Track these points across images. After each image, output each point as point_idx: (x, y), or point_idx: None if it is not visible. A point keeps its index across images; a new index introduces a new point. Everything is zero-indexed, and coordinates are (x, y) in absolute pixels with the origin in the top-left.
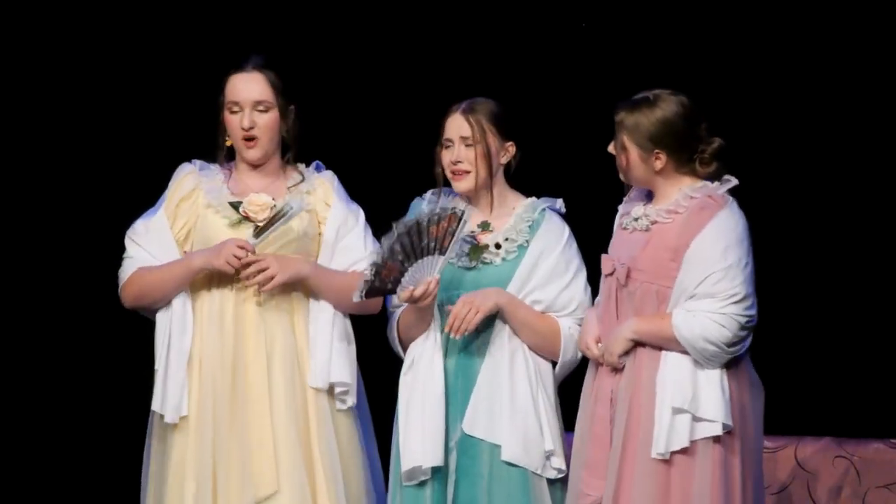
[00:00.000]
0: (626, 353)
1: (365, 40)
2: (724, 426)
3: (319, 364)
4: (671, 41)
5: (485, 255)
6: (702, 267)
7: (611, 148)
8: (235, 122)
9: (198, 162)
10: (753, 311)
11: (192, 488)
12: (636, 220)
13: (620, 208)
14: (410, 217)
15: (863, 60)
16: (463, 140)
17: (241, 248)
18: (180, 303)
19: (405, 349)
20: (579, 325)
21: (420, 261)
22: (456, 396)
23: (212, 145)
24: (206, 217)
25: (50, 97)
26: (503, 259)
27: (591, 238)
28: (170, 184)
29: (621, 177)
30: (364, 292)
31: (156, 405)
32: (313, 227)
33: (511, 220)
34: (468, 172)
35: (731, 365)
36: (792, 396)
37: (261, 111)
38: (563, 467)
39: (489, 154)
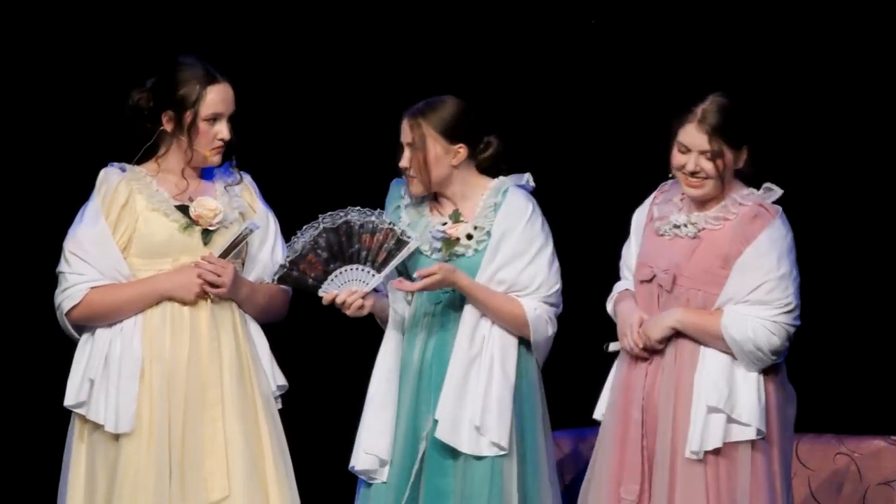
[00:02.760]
0: (663, 342)
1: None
2: (759, 431)
3: (269, 371)
4: (670, 39)
5: (457, 247)
6: (756, 275)
7: (685, 158)
8: (212, 133)
9: (118, 165)
10: (799, 322)
11: (150, 496)
12: (677, 227)
13: (652, 211)
14: (344, 213)
15: (861, 59)
16: (409, 146)
17: (208, 261)
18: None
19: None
20: (547, 304)
21: (349, 267)
22: (429, 386)
23: (126, 146)
24: (150, 221)
25: None
26: (475, 250)
27: (567, 217)
28: (99, 190)
29: (699, 191)
30: (278, 277)
31: (96, 416)
32: (252, 223)
33: (479, 206)
34: (414, 178)
35: (769, 371)
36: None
37: (229, 121)
38: (503, 444)
39: (427, 161)
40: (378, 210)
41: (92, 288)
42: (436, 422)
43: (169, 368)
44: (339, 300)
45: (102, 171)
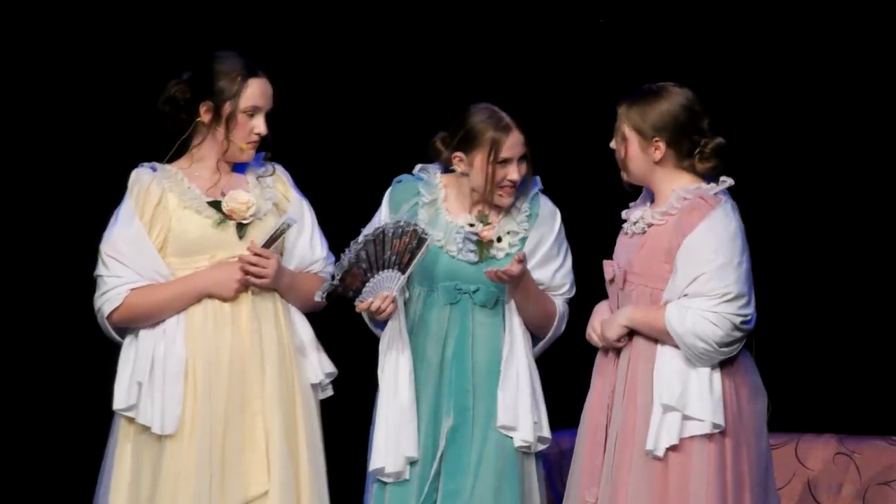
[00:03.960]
0: (621, 339)
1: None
2: (715, 426)
3: (314, 360)
4: (671, 39)
5: (490, 249)
6: (692, 266)
7: (613, 143)
8: (249, 126)
9: (150, 165)
10: (748, 311)
11: (190, 494)
12: (635, 223)
13: (623, 215)
14: (383, 225)
15: (861, 60)
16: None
17: (257, 254)
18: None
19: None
20: (567, 306)
21: (381, 273)
22: (450, 385)
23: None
24: (183, 219)
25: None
26: (507, 254)
27: (584, 227)
28: (132, 191)
29: (623, 176)
30: (325, 294)
31: (144, 419)
32: (291, 217)
33: (509, 211)
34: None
35: (725, 365)
36: (793, 393)
37: (266, 116)
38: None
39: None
40: (407, 215)
41: (131, 290)
42: (458, 420)
43: (212, 366)
44: (373, 307)
45: (134, 171)
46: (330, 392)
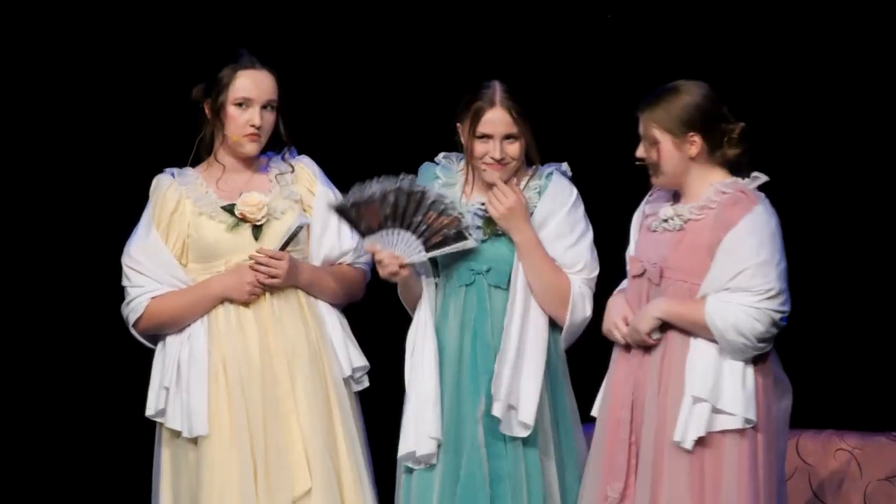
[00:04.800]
0: (650, 334)
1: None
2: (747, 420)
3: (342, 354)
4: (686, 35)
5: (497, 227)
6: (736, 261)
7: (639, 151)
8: (243, 118)
9: (171, 171)
10: (787, 308)
11: (236, 496)
12: (665, 220)
13: (644, 209)
14: (422, 184)
15: (884, 56)
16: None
17: (270, 256)
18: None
19: (411, 308)
20: (588, 287)
21: (402, 232)
22: (472, 368)
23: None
24: (200, 225)
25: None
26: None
27: (603, 204)
28: (152, 199)
29: (654, 180)
30: (337, 205)
31: (173, 423)
32: (304, 218)
33: (520, 189)
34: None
35: (757, 361)
36: (794, 390)
37: (268, 110)
38: (530, 423)
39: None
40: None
41: (152, 298)
42: (488, 403)
43: (242, 366)
44: (378, 256)
45: (155, 178)
46: (365, 383)
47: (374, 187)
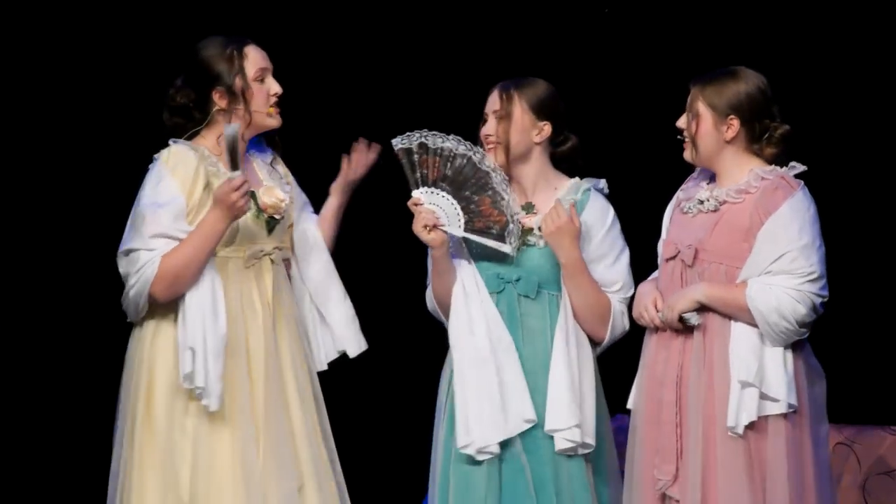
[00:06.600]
0: (682, 319)
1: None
2: (789, 405)
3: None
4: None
5: (529, 237)
6: (779, 245)
7: (681, 121)
8: (265, 89)
9: (185, 143)
10: (826, 293)
11: (242, 478)
12: (701, 202)
13: (679, 194)
14: (494, 167)
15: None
16: (495, 114)
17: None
18: (209, 286)
19: (442, 306)
20: (625, 305)
21: (452, 200)
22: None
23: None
24: None
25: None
26: (546, 243)
27: (637, 221)
28: (176, 169)
29: (686, 154)
30: (401, 146)
31: (200, 380)
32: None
33: (553, 201)
34: (493, 148)
35: (794, 347)
36: None
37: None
38: (589, 441)
39: (510, 131)
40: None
41: (162, 257)
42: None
43: (259, 350)
44: (419, 208)
45: (173, 147)
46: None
47: (449, 143)
